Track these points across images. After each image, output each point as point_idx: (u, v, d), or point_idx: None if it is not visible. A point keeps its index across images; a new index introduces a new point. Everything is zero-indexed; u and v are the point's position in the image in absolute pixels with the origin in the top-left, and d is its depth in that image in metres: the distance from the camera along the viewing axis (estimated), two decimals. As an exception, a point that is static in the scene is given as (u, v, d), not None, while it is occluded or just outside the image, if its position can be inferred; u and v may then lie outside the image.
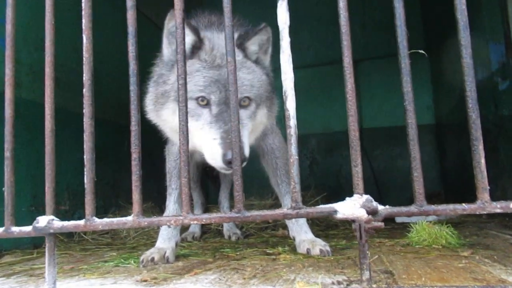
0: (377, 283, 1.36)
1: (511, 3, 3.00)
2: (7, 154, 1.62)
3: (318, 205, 3.81)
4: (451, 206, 1.24)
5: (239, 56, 2.09)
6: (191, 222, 1.41)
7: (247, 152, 1.87)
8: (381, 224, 1.24)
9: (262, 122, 2.20)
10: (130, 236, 3.39)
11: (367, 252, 1.28)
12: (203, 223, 1.43)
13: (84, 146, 1.52)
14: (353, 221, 1.26)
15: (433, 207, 1.25)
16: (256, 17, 2.45)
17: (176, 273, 1.80)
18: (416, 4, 6.22)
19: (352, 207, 1.26)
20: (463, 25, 1.28)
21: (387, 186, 5.84)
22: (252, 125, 2.09)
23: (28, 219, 1.58)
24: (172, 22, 1.97)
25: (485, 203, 1.21)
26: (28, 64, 3.30)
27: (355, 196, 1.28)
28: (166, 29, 2.04)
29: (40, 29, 1.61)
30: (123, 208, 4.02)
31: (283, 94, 1.38)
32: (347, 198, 1.29)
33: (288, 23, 1.41)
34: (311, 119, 6.31)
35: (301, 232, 2.32)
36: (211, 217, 1.41)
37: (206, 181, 3.95)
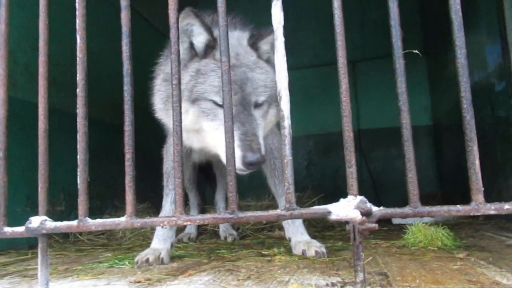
0: (371, 285, 1.35)
1: (507, 4, 3.00)
2: (0, 154, 1.61)
3: (315, 206, 3.81)
4: (445, 208, 1.23)
5: (253, 56, 2.09)
6: (184, 223, 1.40)
7: (264, 152, 1.86)
8: (375, 225, 1.23)
9: (271, 121, 2.21)
10: (126, 237, 3.38)
11: (361, 253, 1.27)
12: (196, 224, 1.42)
13: (78, 147, 1.51)
14: (347, 222, 1.26)
15: (427, 208, 1.24)
16: (252, 16, 2.45)
17: (170, 274, 1.79)
18: (414, 5, 6.23)
19: (346, 208, 1.26)
20: (458, 26, 1.27)
21: (384, 187, 5.84)
22: (264, 124, 2.08)
23: (23, 220, 1.56)
24: (186, 20, 1.93)
25: (479, 205, 1.20)
26: (24, 64, 3.28)
27: (349, 197, 1.28)
28: (180, 27, 2.00)
29: (36, 29, 1.59)
30: (120, 209, 4.01)
31: (278, 94, 1.37)
32: (341, 199, 1.28)
33: (282, 22, 1.40)
34: (309, 120, 6.31)
35: (297, 234, 2.31)
36: (205, 218, 1.40)
37: (203, 182, 3.94)
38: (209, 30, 1.98)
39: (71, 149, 1.49)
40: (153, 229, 2.52)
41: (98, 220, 1.48)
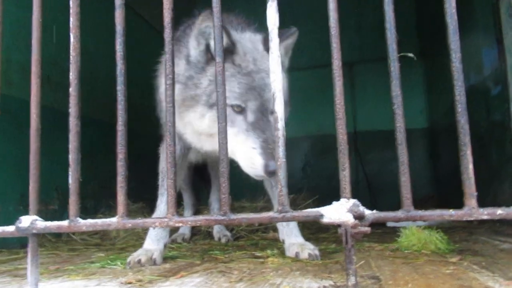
0: (363, 288, 1.35)
1: (503, 8, 3.00)
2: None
3: (310, 207, 3.80)
4: (438, 212, 1.22)
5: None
6: (176, 225, 1.38)
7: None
8: (368, 229, 1.23)
9: None
10: (119, 237, 3.36)
11: (353, 257, 1.26)
12: (188, 225, 1.41)
13: (70, 146, 1.50)
14: (339, 225, 1.25)
15: (420, 212, 1.24)
16: (249, 16, 2.44)
17: (162, 276, 1.78)
18: (411, 8, 6.24)
19: (339, 212, 1.25)
20: (453, 29, 1.27)
21: (380, 189, 5.84)
22: None
23: (16, 218, 1.55)
24: (205, 23, 1.91)
25: (472, 209, 1.20)
26: (19, 63, 3.26)
27: (342, 200, 1.27)
28: (197, 29, 1.97)
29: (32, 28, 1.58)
30: (114, 209, 3.94)
31: (272, 95, 1.37)
32: (334, 202, 1.28)
33: (277, 24, 1.39)
34: (306, 122, 6.30)
35: (291, 235, 2.30)
36: (197, 219, 1.39)
37: (198, 182, 3.93)
38: (228, 33, 1.96)
39: (66, 148, 1.47)
40: (146, 229, 2.51)
41: (89, 221, 1.47)
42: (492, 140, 3.39)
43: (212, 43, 1.97)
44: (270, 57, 1.39)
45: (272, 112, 2.03)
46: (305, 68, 6.30)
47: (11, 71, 3.21)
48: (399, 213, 1.25)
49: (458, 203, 1.22)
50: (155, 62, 2.60)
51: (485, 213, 1.19)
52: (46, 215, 3.56)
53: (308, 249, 2.10)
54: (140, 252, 2.17)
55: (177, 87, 2.03)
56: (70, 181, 1.48)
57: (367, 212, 1.25)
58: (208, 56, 2.00)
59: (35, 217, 1.50)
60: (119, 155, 1.45)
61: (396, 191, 1.27)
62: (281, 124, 1.33)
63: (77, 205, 1.48)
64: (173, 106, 1.45)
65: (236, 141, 1.91)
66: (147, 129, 4.48)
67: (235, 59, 1.98)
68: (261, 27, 2.22)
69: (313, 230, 3.42)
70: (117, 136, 1.46)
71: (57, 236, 3.43)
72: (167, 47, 1.46)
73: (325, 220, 1.25)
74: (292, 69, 2.33)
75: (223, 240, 3.04)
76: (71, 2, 1.54)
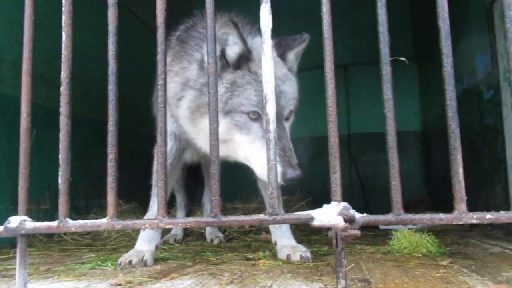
0: (353, 291, 1.35)
1: (497, 13, 3.02)
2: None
3: (304, 209, 3.80)
4: (428, 216, 1.23)
5: (284, 68, 2.10)
6: (166, 226, 1.38)
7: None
8: (358, 232, 1.23)
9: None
10: (111, 237, 3.33)
11: (343, 260, 1.26)
12: (179, 227, 1.40)
13: (60, 146, 1.48)
14: (330, 228, 1.25)
15: (410, 216, 1.24)
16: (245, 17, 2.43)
17: (153, 277, 1.77)
18: (406, 11, 6.26)
19: (329, 215, 1.25)
20: (445, 34, 1.27)
21: (373, 191, 5.86)
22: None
23: (6, 218, 1.53)
24: (223, 29, 1.91)
25: (461, 214, 1.20)
26: (11, 60, 3.24)
27: (333, 203, 1.27)
28: (215, 35, 1.96)
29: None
30: (106, 209, 3.94)
31: (264, 98, 1.36)
32: (325, 205, 1.27)
33: (270, 26, 1.39)
34: (300, 123, 6.28)
35: (283, 238, 2.30)
36: (187, 221, 1.38)
37: (192, 183, 3.92)
38: (244, 41, 1.96)
39: (58, 147, 1.46)
40: (138, 230, 2.49)
41: (79, 221, 1.45)
42: (485, 144, 3.41)
43: (228, 49, 1.97)
44: (262, 59, 1.38)
45: (287, 118, 2.05)
46: (300, 70, 6.30)
47: (3, 69, 3.18)
48: (389, 217, 1.25)
49: (450, 206, 1.22)
50: (152, 61, 2.58)
51: (474, 217, 1.20)
52: (37, 214, 3.54)
53: (300, 252, 2.09)
54: (131, 253, 2.15)
55: (191, 93, 2.03)
56: (59, 181, 1.47)
57: (358, 215, 1.25)
58: (223, 62, 1.99)
59: (24, 217, 1.49)
60: (109, 155, 1.44)
61: (389, 193, 1.27)
62: (272, 127, 1.33)
63: (66, 206, 1.47)
64: (165, 107, 1.44)
65: (251, 148, 1.93)
66: (142, 128, 4.47)
67: (251, 66, 1.98)
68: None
69: (306, 232, 3.42)
70: (108, 136, 1.45)
71: (49, 236, 3.40)
72: (160, 47, 1.46)
73: (316, 223, 1.25)
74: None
75: (216, 242, 3.03)
76: (63, 0, 1.53)
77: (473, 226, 3.32)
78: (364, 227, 1.23)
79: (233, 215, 1.35)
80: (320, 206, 1.28)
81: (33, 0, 1.59)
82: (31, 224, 1.47)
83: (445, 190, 1.22)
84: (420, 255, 2.06)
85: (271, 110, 1.34)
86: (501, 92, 2.99)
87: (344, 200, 1.26)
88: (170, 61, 2.32)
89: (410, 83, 5.96)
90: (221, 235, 3.16)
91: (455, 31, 1.27)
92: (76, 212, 3.83)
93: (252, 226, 3.19)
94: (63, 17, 1.53)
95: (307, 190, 4.74)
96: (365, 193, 5.93)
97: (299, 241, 2.37)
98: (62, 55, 1.51)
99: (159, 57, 1.45)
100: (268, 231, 2.87)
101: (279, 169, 1.81)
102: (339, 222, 1.22)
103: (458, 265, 1.80)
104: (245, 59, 1.96)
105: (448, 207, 1.22)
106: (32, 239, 3.13)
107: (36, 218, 1.50)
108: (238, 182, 4.14)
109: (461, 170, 1.22)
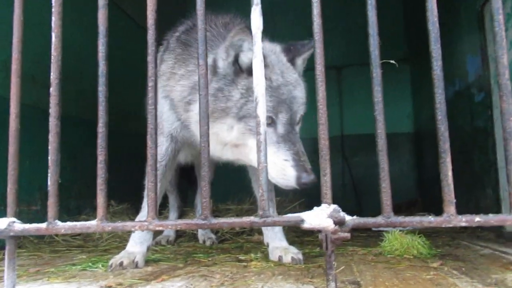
0: (343, 294, 1.35)
1: (488, 17, 3.05)
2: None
3: (297, 210, 3.81)
4: (417, 219, 1.23)
5: (294, 73, 2.13)
6: (156, 228, 1.37)
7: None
8: (348, 235, 1.23)
9: None
10: (102, 238, 3.31)
11: (334, 262, 1.26)
12: (168, 229, 1.40)
13: (49, 147, 1.47)
14: (320, 231, 1.25)
15: (400, 218, 1.24)
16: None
17: (143, 279, 1.76)
18: (398, 12, 6.29)
19: (319, 217, 1.25)
20: (434, 37, 1.28)
21: (366, 192, 5.88)
22: None
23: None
24: (239, 36, 1.91)
25: (451, 216, 1.20)
26: (2, 61, 3.21)
27: (323, 205, 1.27)
28: (229, 42, 1.96)
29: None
30: (98, 209, 3.93)
31: (255, 100, 1.36)
32: (315, 208, 1.28)
33: (261, 28, 1.39)
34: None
35: (275, 239, 2.30)
36: (177, 223, 1.38)
37: (185, 184, 3.91)
38: None
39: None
40: (129, 231, 2.48)
41: (68, 223, 1.44)
42: (476, 146, 3.43)
43: (242, 55, 1.98)
44: (253, 61, 1.38)
45: (298, 123, 2.07)
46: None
47: (-7, 69, 3.16)
48: (379, 219, 1.25)
49: (441, 207, 1.23)
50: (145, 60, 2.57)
51: (463, 220, 1.20)
52: (28, 215, 3.50)
53: (292, 253, 2.09)
54: (122, 255, 2.14)
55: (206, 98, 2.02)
56: (49, 182, 1.46)
57: (348, 217, 1.25)
58: (236, 68, 2.00)
59: (13, 219, 1.47)
60: (99, 157, 1.43)
61: (380, 196, 1.28)
62: (263, 129, 1.33)
63: (56, 207, 1.46)
64: (155, 108, 1.43)
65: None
66: (135, 127, 4.45)
67: (265, 72, 1.99)
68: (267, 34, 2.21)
69: (298, 233, 3.42)
70: (98, 138, 1.44)
71: (39, 237, 3.37)
72: (150, 49, 1.45)
73: (306, 225, 1.25)
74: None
75: (208, 243, 3.02)
76: (53, 1, 1.52)
77: (464, 227, 3.34)
78: (357, 229, 1.23)
79: (223, 217, 1.34)
80: (313, 206, 1.29)
81: (22, 0, 1.57)
82: (19, 226, 1.46)
83: (437, 191, 1.23)
84: (411, 257, 2.07)
85: (261, 112, 1.34)
86: (492, 95, 3.01)
87: (337, 201, 1.27)
88: (172, 63, 2.31)
89: (402, 85, 5.99)
90: (213, 236, 3.15)
91: (447, 33, 1.29)
92: (67, 213, 3.81)
93: (242, 228, 3.18)
94: (53, 18, 1.52)
95: (300, 192, 4.74)
96: (358, 194, 5.95)
97: (291, 242, 2.37)
98: (52, 56, 1.50)
99: (150, 58, 1.44)
100: (260, 232, 2.88)
101: (294, 173, 1.84)
102: (329, 224, 1.23)
103: (448, 267, 1.81)
104: None
105: (440, 209, 1.23)
106: (22, 240, 3.11)
107: (26, 219, 1.48)
108: (231, 183, 4.14)
109: (450, 173, 1.22)
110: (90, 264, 2.17)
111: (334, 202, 1.27)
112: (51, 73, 1.50)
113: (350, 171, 6.12)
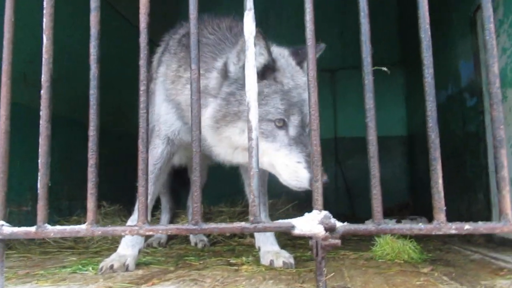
0: (333, 300, 1.35)
1: (480, 21, 3.07)
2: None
3: (289, 212, 3.78)
4: (407, 226, 1.24)
5: (304, 76, 2.12)
6: (147, 233, 1.36)
7: None
8: (338, 241, 1.23)
9: None
10: (94, 240, 3.29)
11: (324, 269, 1.27)
12: (159, 233, 1.39)
13: (40, 150, 1.46)
14: (311, 237, 1.25)
15: (390, 226, 1.25)
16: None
17: (133, 283, 1.75)
18: (392, 16, 6.32)
19: (310, 223, 1.25)
20: (426, 45, 1.28)
21: (359, 195, 5.89)
22: None
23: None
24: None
25: (441, 224, 1.21)
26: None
27: (314, 212, 1.27)
28: (241, 46, 1.95)
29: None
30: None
31: (247, 105, 1.36)
32: (306, 214, 1.28)
33: (254, 33, 1.39)
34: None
35: (267, 243, 2.29)
36: (168, 228, 1.37)
37: (178, 186, 3.89)
38: (269, 52, 1.98)
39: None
40: (119, 236, 2.46)
41: (57, 227, 1.43)
42: (467, 150, 3.45)
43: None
44: (245, 66, 1.38)
45: (308, 125, 2.06)
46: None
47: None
48: (369, 226, 1.26)
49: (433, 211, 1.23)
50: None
51: (453, 228, 1.21)
52: (18, 216, 3.46)
53: (283, 257, 2.09)
54: (113, 258, 2.13)
55: (216, 102, 2.02)
56: (39, 185, 1.45)
57: (338, 224, 1.26)
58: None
59: (1, 222, 1.46)
60: (90, 160, 1.42)
61: (371, 202, 1.28)
62: (254, 134, 1.33)
63: (45, 211, 1.44)
64: (147, 112, 1.43)
65: (277, 155, 1.95)
66: (131, 129, 4.43)
67: (276, 76, 2.01)
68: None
69: (290, 236, 3.42)
70: (89, 141, 1.43)
71: (30, 238, 3.35)
72: (142, 53, 1.44)
73: (297, 231, 1.25)
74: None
75: (200, 246, 3.01)
76: (45, 3, 1.51)
77: (455, 231, 3.36)
78: (341, 237, 1.23)
79: (214, 222, 1.34)
80: (305, 209, 1.29)
81: (13, 2, 1.56)
82: (8, 229, 1.44)
83: (429, 195, 1.24)
84: (402, 262, 2.08)
85: (253, 117, 1.34)
86: (484, 100, 3.03)
87: (330, 204, 1.27)
88: (176, 67, 2.30)
89: (396, 88, 6.02)
90: (205, 238, 3.14)
91: (441, 37, 1.30)
92: (58, 213, 3.78)
93: (232, 233, 3.16)
94: (44, 20, 1.50)
95: (293, 193, 4.74)
96: (351, 197, 5.97)
97: (283, 245, 2.37)
98: (43, 59, 1.49)
99: (141, 62, 1.44)
100: (252, 235, 2.87)
101: (307, 175, 1.84)
102: (320, 231, 1.23)
103: (438, 272, 1.82)
104: (270, 69, 2.00)
105: (431, 211, 1.23)
106: (12, 241, 3.08)
107: (17, 221, 1.48)
108: (224, 185, 4.13)
109: (440, 181, 1.23)
110: (80, 266, 2.15)
111: (326, 205, 1.28)
112: (42, 76, 1.49)
113: (343, 173, 6.14)
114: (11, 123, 1.52)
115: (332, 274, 1.76)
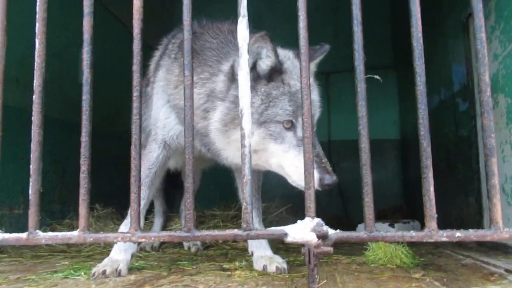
0: (326, 307, 1.35)
1: (472, 27, 3.09)
2: None
3: (283, 216, 3.76)
4: (399, 234, 1.25)
5: (311, 78, 2.12)
6: (139, 240, 1.36)
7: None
8: (330, 249, 1.23)
9: None
10: (86, 244, 3.27)
11: (316, 276, 1.27)
12: (151, 241, 1.39)
13: (31, 156, 1.45)
14: (303, 245, 1.25)
15: (382, 233, 1.25)
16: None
17: (126, 289, 1.74)
18: (386, 19, 6.35)
19: (303, 231, 1.25)
20: (418, 53, 1.29)
21: (352, 198, 5.90)
22: None
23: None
24: (258, 43, 1.92)
25: (432, 232, 1.22)
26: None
27: (307, 219, 1.27)
28: (249, 49, 1.95)
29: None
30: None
31: (240, 112, 1.36)
32: (299, 221, 1.28)
33: (247, 40, 1.39)
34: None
35: (260, 248, 2.29)
36: (160, 235, 1.37)
37: (171, 189, 3.88)
38: (276, 54, 1.99)
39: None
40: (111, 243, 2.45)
41: (49, 234, 1.43)
42: (459, 155, 3.48)
43: (260, 62, 1.99)
44: (239, 73, 1.39)
45: (315, 126, 2.08)
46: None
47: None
48: (362, 234, 1.26)
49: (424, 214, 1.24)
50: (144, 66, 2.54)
51: (444, 236, 1.22)
52: (10, 220, 3.42)
53: (276, 263, 2.09)
54: (105, 262, 2.11)
55: (225, 105, 2.02)
56: (30, 191, 1.44)
57: (331, 231, 1.26)
58: (254, 74, 2.01)
59: (-8, 228, 1.45)
60: (82, 167, 1.41)
61: (363, 210, 1.29)
62: (247, 141, 1.33)
63: (37, 217, 1.44)
64: (140, 118, 1.43)
65: (285, 156, 1.96)
66: (126, 131, 4.41)
67: (284, 78, 2.02)
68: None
69: (284, 240, 3.42)
70: (81, 147, 1.43)
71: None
72: (135, 58, 1.44)
73: (289, 239, 1.25)
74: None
75: (193, 249, 3.01)
76: (37, 8, 1.50)
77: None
78: (333, 245, 1.24)
79: (207, 230, 1.34)
80: (299, 213, 1.29)
81: (5, 6, 1.55)
82: (-1, 236, 1.43)
83: (422, 197, 1.25)
84: (394, 267, 2.08)
85: (246, 124, 1.34)
86: (476, 105, 3.06)
87: (323, 207, 1.28)
88: (178, 72, 2.29)
89: (389, 91, 6.04)
90: (198, 242, 3.13)
91: (433, 42, 1.31)
92: (51, 216, 3.75)
93: (225, 241, 3.15)
94: (37, 24, 1.50)
95: (286, 197, 4.75)
96: (344, 199, 5.98)
97: (276, 249, 2.37)
98: (35, 63, 1.49)
99: (135, 68, 1.44)
100: (246, 240, 2.87)
101: (316, 175, 1.84)
102: (312, 238, 1.23)
103: (430, 277, 1.82)
104: (277, 72, 2.02)
105: (423, 213, 1.24)
106: (3, 245, 3.05)
107: (8, 224, 1.47)
108: (217, 188, 4.13)
109: (432, 189, 1.24)
110: (72, 272, 2.13)
111: (320, 208, 1.29)
112: (34, 81, 1.48)
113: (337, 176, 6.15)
114: (2, 125, 1.51)
115: (325, 281, 1.76)
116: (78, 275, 2.07)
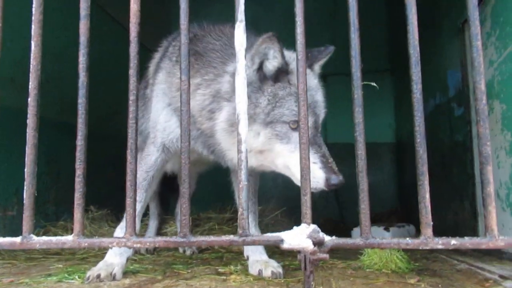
0: (321, 313, 1.35)
1: (468, 32, 3.11)
2: None
3: (278, 219, 3.75)
4: (395, 241, 1.25)
5: (315, 78, 2.17)
6: (134, 245, 1.35)
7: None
8: (326, 255, 1.23)
9: None
10: (81, 248, 3.25)
11: (312, 282, 1.27)
12: (147, 246, 1.38)
13: (26, 160, 1.44)
14: (299, 251, 1.25)
15: (378, 240, 1.25)
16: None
17: (120, 293, 1.73)
18: (382, 24, 6.37)
19: (299, 237, 1.25)
20: (415, 61, 1.30)
21: (348, 202, 5.91)
22: None
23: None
24: (265, 44, 1.92)
25: (427, 239, 1.22)
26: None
27: (303, 225, 1.27)
28: (255, 50, 1.95)
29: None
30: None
31: (236, 117, 1.36)
32: (295, 227, 1.28)
33: (244, 45, 1.39)
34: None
35: (255, 252, 2.29)
36: (156, 240, 1.36)
37: (167, 192, 3.87)
38: (283, 55, 2.00)
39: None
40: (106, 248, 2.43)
41: (43, 238, 1.41)
42: (455, 160, 3.49)
43: (268, 63, 2.00)
44: (236, 78, 1.38)
45: (320, 126, 2.09)
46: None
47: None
48: (357, 240, 1.26)
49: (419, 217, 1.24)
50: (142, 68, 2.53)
51: (440, 243, 1.22)
52: (3, 221, 3.40)
53: (272, 267, 2.09)
54: (100, 266, 2.10)
55: (231, 105, 2.01)
56: (24, 195, 1.43)
57: (327, 238, 1.26)
58: (261, 75, 2.02)
59: (-14, 232, 1.43)
60: (77, 171, 1.40)
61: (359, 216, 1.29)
62: (243, 147, 1.32)
63: (31, 221, 1.42)
64: (136, 123, 1.42)
65: (291, 157, 1.96)
66: (123, 133, 4.39)
67: (290, 78, 2.03)
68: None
69: (279, 243, 3.42)
70: (76, 151, 1.42)
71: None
72: (132, 62, 1.43)
73: (285, 245, 1.25)
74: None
75: (188, 252, 2.99)
76: (33, 9, 1.49)
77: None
78: (329, 251, 1.24)
79: (202, 235, 1.33)
80: (295, 216, 1.29)
81: (2, 5, 1.54)
82: (-8, 240, 1.42)
83: (417, 201, 1.25)
84: (389, 272, 2.08)
85: (243, 130, 1.34)
86: (471, 110, 3.07)
87: (319, 209, 1.27)
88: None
89: (385, 95, 6.06)
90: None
91: (430, 47, 1.31)
92: (45, 218, 3.73)
93: (220, 246, 3.14)
94: (33, 26, 1.49)
95: (282, 199, 4.75)
96: (340, 203, 5.98)
97: (272, 253, 2.36)
98: (31, 65, 1.47)
99: (131, 72, 1.43)
100: (241, 243, 2.86)
101: (323, 175, 1.86)
102: (308, 245, 1.23)
103: (425, 283, 1.83)
104: (284, 72, 2.02)
105: (418, 217, 1.24)
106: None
107: (2, 225, 1.46)
108: (213, 191, 4.12)
109: (427, 196, 1.24)
110: (66, 275, 2.12)
111: (315, 211, 1.28)
112: (30, 83, 1.47)
113: (333, 179, 6.15)
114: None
115: (320, 287, 1.76)
116: (72, 279, 2.06)
